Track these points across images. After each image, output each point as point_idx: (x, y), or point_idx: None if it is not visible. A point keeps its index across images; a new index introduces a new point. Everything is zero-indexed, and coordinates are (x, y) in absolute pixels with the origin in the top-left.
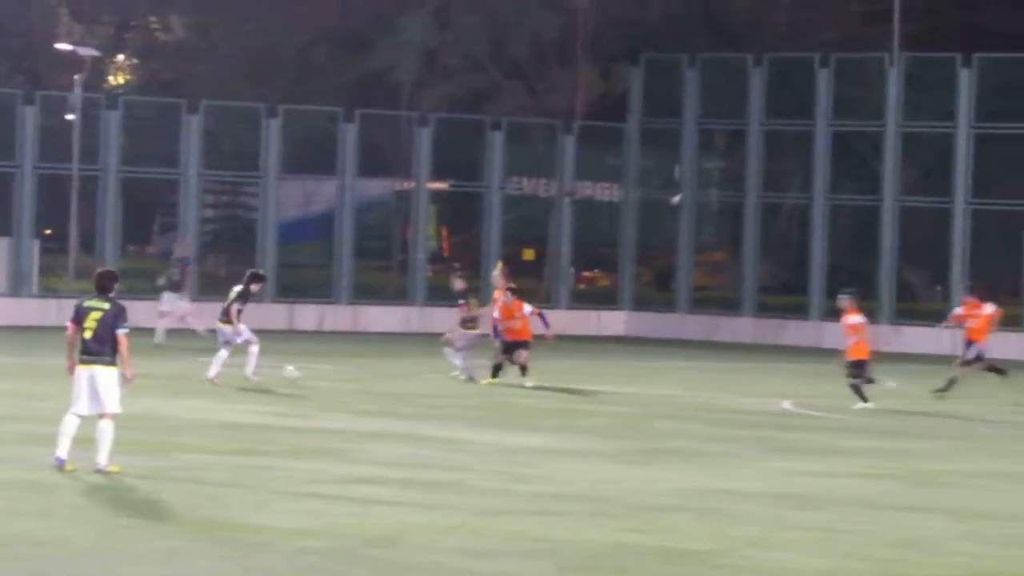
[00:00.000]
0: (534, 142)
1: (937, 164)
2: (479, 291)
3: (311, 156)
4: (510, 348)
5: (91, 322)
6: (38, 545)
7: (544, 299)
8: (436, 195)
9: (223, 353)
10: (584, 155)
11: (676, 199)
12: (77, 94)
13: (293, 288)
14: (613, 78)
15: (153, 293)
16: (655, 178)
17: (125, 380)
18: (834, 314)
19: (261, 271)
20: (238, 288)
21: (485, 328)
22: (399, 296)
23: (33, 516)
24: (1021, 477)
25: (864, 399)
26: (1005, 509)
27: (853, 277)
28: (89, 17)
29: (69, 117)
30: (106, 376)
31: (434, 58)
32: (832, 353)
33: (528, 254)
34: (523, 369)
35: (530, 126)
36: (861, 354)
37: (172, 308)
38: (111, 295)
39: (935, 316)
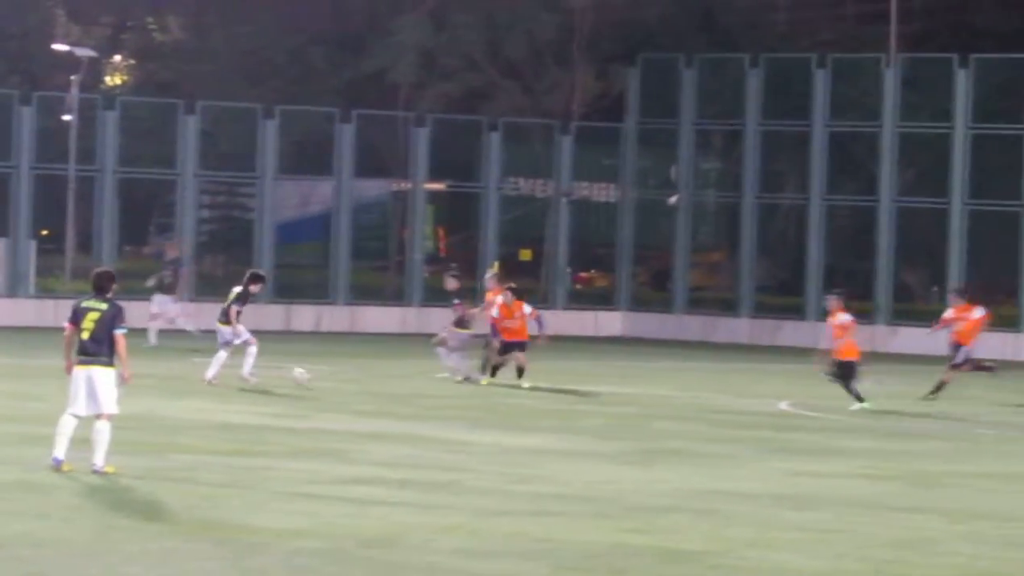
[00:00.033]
0: (531, 142)
1: (934, 165)
2: (474, 291)
3: (308, 157)
4: (508, 348)
5: (89, 323)
6: (35, 545)
7: (541, 299)
8: (433, 196)
9: (222, 355)
10: (581, 155)
11: (673, 199)
12: (74, 95)
13: (290, 289)
14: (610, 78)
15: (149, 294)
16: (652, 178)
17: (123, 380)
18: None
19: (261, 272)
20: (237, 289)
21: (478, 328)
22: (396, 297)
23: (30, 517)
24: (1019, 478)
25: (860, 399)
26: (1003, 510)
27: (850, 278)
28: (86, 18)
29: (66, 118)
30: (104, 377)
31: (431, 59)
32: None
33: (525, 254)
34: (520, 370)
35: (527, 126)
36: (851, 355)
37: (162, 310)
38: (109, 296)
39: (932, 317)
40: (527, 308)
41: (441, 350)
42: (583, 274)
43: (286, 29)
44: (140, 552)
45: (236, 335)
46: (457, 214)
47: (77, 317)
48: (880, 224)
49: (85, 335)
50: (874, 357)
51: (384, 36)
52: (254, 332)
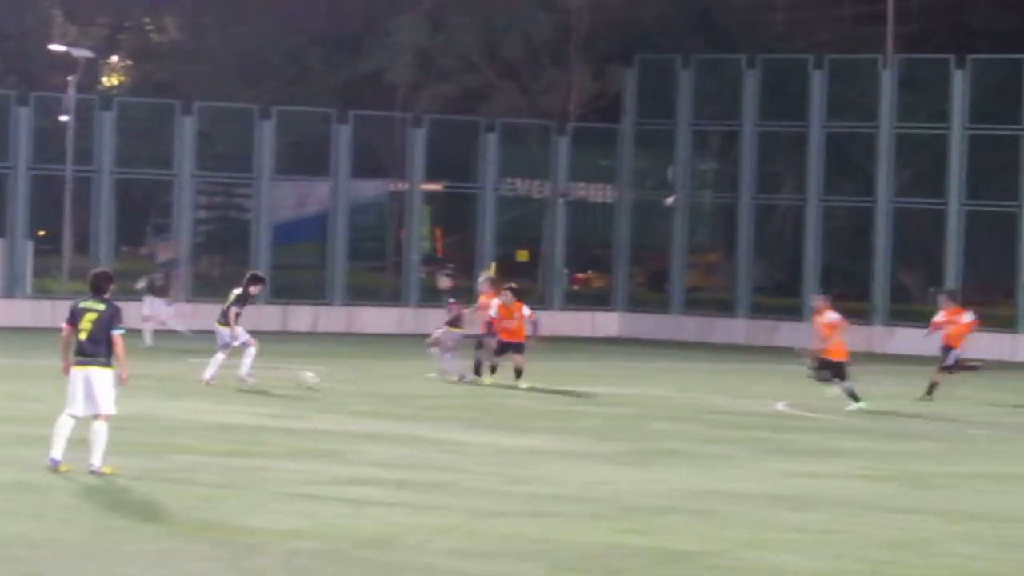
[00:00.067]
0: (528, 143)
1: (931, 165)
2: (470, 291)
3: (305, 157)
4: (504, 349)
5: (86, 323)
6: (32, 546)
7: (538, 300)
8: (430, 196)
9: (220, 356)
10: (578, 156)
11: (670, 200)
12: (71, 95)
13: (287, 289)
14: (607, 79)
15: (140, 296)
16: (649, 179)
17: (121, 381)
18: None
19: (260, 273)
20: (237, 291)
21: (470, 329)
22: (393, 297)
23: (27, 517)
24: (1015, 479)
25: (856, 398)
26: (999, 510)
27: (847, 278)
28: (83, 18)
29: (63, 118)
30: (101, 377)
31: (428, 59)
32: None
33: (522, 255)
34: (518, 371)
35: (524, 127)
36: (839, 355)
37: (154, 312)
38: (106, 296)
39: (929, 318)
40: (526, 310)
41: (435, 351)
42: (580, 275)
43: (283, 30)
44: (137, 553)
45: (234, 337)
46: (454, 215)
47: (75, 318)
48: (877, 225)
49: (83, 336)
50: (871, 358)
51: (381, 37)
52: (251, 333)
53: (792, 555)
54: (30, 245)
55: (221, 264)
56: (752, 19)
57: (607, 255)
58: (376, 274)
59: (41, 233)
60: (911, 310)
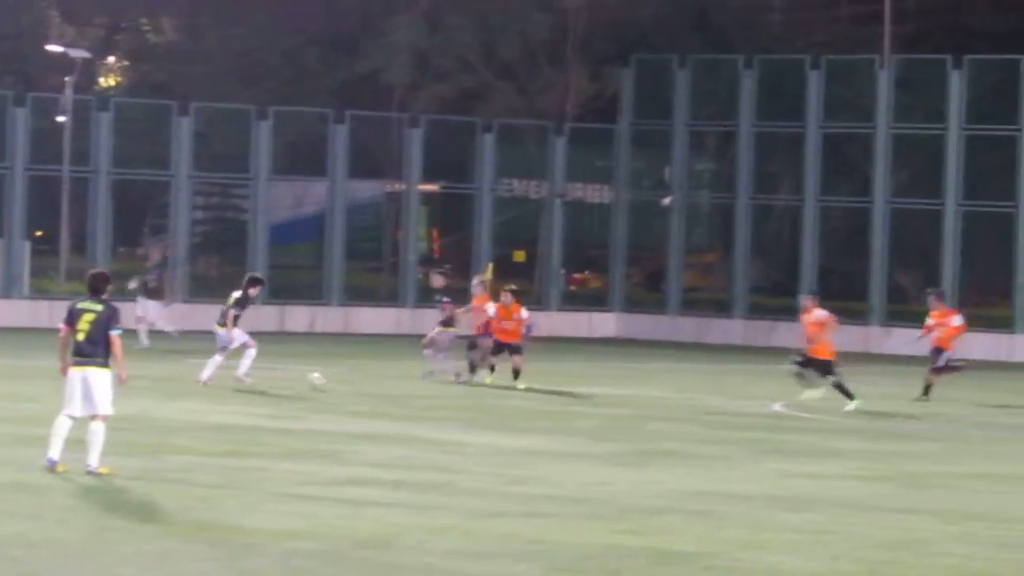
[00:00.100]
0: (525, 143)
1: (928, 166)
2: (465, 291)
3: (302, 158)
4: (500, 349)
5: (84, 324)
6: (29, 546)
7: (535, 301)
8: (427, 197)
9: (218, 358)
10: (575, 156)
11: (667, 200)
12: (68, 96)
13: (284, 290)
14: (604, 79)
15: (133, 296)
16: (646, 179)
17: (119, 381)
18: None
19: (259, 275)
20: (236, 294)
21: (462, 329)
22: (390, 298)
23: (24, 517)
24: (1012, 479)
25: (851, 398)
26: (995, 510)
27: (844, 279)
28: (80, 19)
29: (60, 119)
30: (99, 378)
31: (424, 60)
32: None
33: (519, 256)
34: (516, 372)
35: (521, 127)
36: (825, 354)
37: (146, 313)
38: (104, 297)
39: (925, 318)
40: (524, 313)
41: (428, 352)
42: (577, 275)
43: (280, 30)
44: (134, 553)
45: (231, 339)
46: (451, 215)
47: (73, 318)
48: (874, 225)
49: (81, 336)
50: (868, 358)
51: (378, 37)
52: (249, 333)
53: (789, 555)
54: (27, 245)
55: (218, 265)
56: (749, 19)
57: (604, 255)
58: (373, 274)
59: (38, 233)
60: (908, 311)
